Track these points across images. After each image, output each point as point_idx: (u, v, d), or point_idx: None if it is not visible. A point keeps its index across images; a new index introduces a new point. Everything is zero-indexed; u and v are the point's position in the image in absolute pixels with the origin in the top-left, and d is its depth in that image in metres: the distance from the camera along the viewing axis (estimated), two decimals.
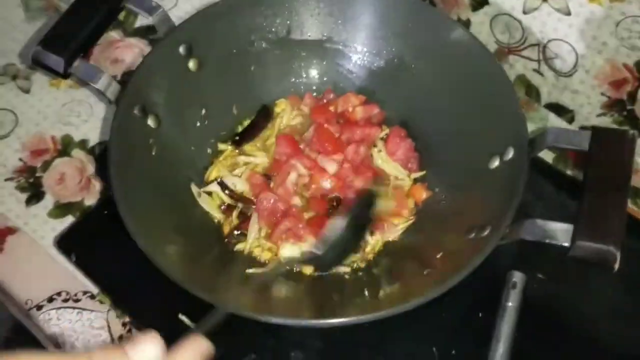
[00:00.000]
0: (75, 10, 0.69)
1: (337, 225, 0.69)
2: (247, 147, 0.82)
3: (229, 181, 0.78)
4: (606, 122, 0.88)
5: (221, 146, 0.82)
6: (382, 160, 0.79)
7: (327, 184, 0.77)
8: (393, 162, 0.79)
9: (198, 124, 0.80)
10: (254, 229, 0.75)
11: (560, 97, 0.90)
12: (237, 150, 0.82)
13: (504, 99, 0.70)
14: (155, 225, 0.67)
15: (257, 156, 0.80)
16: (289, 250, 0.74)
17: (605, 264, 0.56)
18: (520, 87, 0.92)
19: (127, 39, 0.99)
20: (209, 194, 0.78)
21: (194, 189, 0.77)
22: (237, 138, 0.82)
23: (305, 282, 0.73)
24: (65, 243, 0.80)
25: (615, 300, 0.75)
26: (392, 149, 0.79)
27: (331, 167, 0.77)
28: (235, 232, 0.76)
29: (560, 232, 0.59)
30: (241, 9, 0.79)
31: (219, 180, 0.78)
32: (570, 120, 0.90)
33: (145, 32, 0.99)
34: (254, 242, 0.75)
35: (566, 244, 0.58)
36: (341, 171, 0.77)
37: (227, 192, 0.77)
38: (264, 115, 0.83)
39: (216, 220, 0.77)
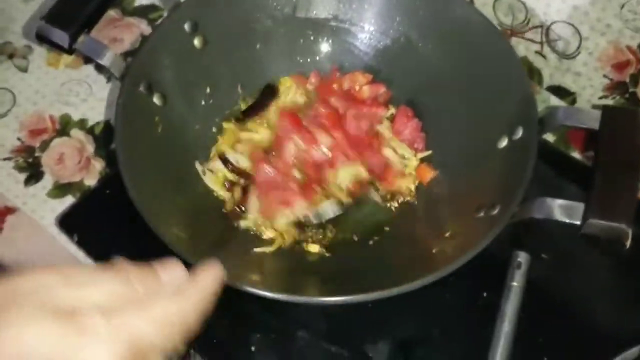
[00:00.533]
0: None
1: (330, 209, 0.72)
2: (250, 123, 0.81)
3: (232, 157, 0.77)
4: (608, 104, 0.88)
5: (225, 125, 0.81)
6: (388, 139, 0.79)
7: (321, 155, 0.76)
8: (399, 142, 0.79)
9: (203, 103, 0.79)
10: (254, 202, 0.75)
11: (562, 80, 0.90)
12: (239, 127, 0.81)
13: (513, 78, 0.70)
14: (161, 203, 0.66)
15: (259, 132, 0.80)
16: (283, 218, 0.74)
17: (617, 241, 0.56)
18: None
19: (126, 18, 0.97)
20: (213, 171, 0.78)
21: (199, 167, 0.77)
22: (240, 116, 0.81)
23: (311, 261, 0.73)
24: (67, 223, 0.79)
25: (620, 282, 0.75)
26: (399, 128, 0.79)
27: (326, 140, 0.76)
28: (238, 209, 0.75)
29: (571, 210, 0.58)
30: None
31: (221, 155, 0.77)
32: (572, 103, 0.90)
33: (145, 11, 0.97)
34: (258, 218, 0.75)
35: (577, 222, 0.58)
36: (337, 145, 0.76)
37: (230, 167, 0.77)
38: (269, 93, 0.82)
39: (221, 199, 0.77)
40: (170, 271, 0.42)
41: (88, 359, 0.36)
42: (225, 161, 0.77)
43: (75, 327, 0.36)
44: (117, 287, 0.39)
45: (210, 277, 0.43)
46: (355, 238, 0.75)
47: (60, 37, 0.65)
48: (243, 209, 0.75)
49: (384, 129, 0.80)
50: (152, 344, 0.38)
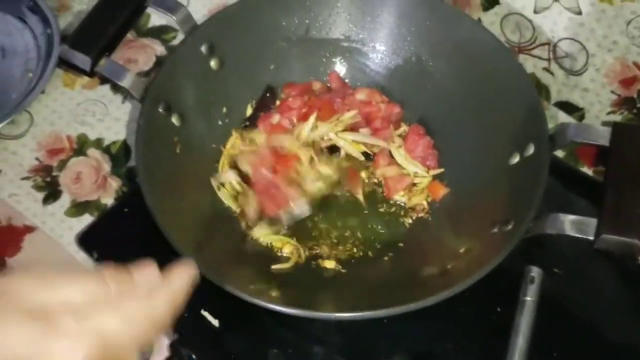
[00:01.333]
0: (101, 9, 0.70)
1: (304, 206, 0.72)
2: (252, 133, 0.81)
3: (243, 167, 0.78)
4: (616, 120, 0.90)
5: (234, 132, 0.82)
6: (401, 156, 0.80)
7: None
8: (412, 160, 0.80)
9: (220, 122, 0.81)
10: (252, 204, 0.75)
11: (570, 96, 0.91)
12: (242, 137, 0.82)
13: (523, 95, 0.71)
14: (180, 221, 0.67)
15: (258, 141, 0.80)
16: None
17: (629, 256, 0.58)
18: None
19: (140, 39, 0.99)
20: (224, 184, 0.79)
21: (214, 182, 0.78)
22: (247, 123, 0.83)
23: (326, 276, 0.74)
24: (87, 241, 0.80)
25: (634, 295, 0.76)
26: (411, 146, 0.80)
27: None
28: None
29: (584, 225, 0.60)
30: (260, 8, 0.80)
31: (234, 161, 0.78)
32: (580, 119, 0.91)
33: (159, 32, 0.99)
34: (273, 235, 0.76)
35: (591, 237, 0.59)
36: None
37: (240, 176, 0.77)
38: (270, 96, 0.84)
39: (236, 215, 0.78)
40: (144, 272, 0.45)
41: (58, 356, 0.38)
42: (237, 168, 0.77)
43: (47, 327, 0.38)
44: (91, 287, 0.42)
45: (181, 278, 0.46)
46: (370, 254, 0.76)
47: (83, 60, 0.67)
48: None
49: (396, 146, 0.81)
50: (122, 341, 0.41)
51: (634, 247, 0.57)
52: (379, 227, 0.78)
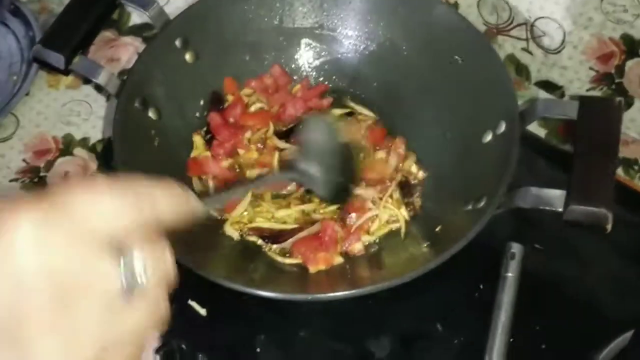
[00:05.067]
0: (74, 7, 0.71)
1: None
2: None
3: None
4: (596, 95, 0.90)
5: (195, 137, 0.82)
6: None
7: None
8: None
9: (197, 115, 0.82)
10: None
11: (549, 74, 0.91)
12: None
13: (495, 75, 0.72)
14: None
15: None
16: None
17: (598, 226, 0.58)
18: (510, 67, 0.93)
19: (122, 37, 1.00)
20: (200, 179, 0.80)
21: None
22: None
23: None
24: None
25: (611, 268, 0.77)
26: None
27: None
28: None
29: (553, 198, 0.61)
30: (233, 0, 0.81)
31: None
32: (561, 96, 0.92)
33: (140, 30, 1.00)
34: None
35: (560, 209, 0.60)
36: None
37: None
38: (216, 102, 0.84)
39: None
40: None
41: None
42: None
43: None
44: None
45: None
46: None
47: (56, 59, 0.68)
48: None
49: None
50: None
51: (602, 216, 0.58)
52: None
